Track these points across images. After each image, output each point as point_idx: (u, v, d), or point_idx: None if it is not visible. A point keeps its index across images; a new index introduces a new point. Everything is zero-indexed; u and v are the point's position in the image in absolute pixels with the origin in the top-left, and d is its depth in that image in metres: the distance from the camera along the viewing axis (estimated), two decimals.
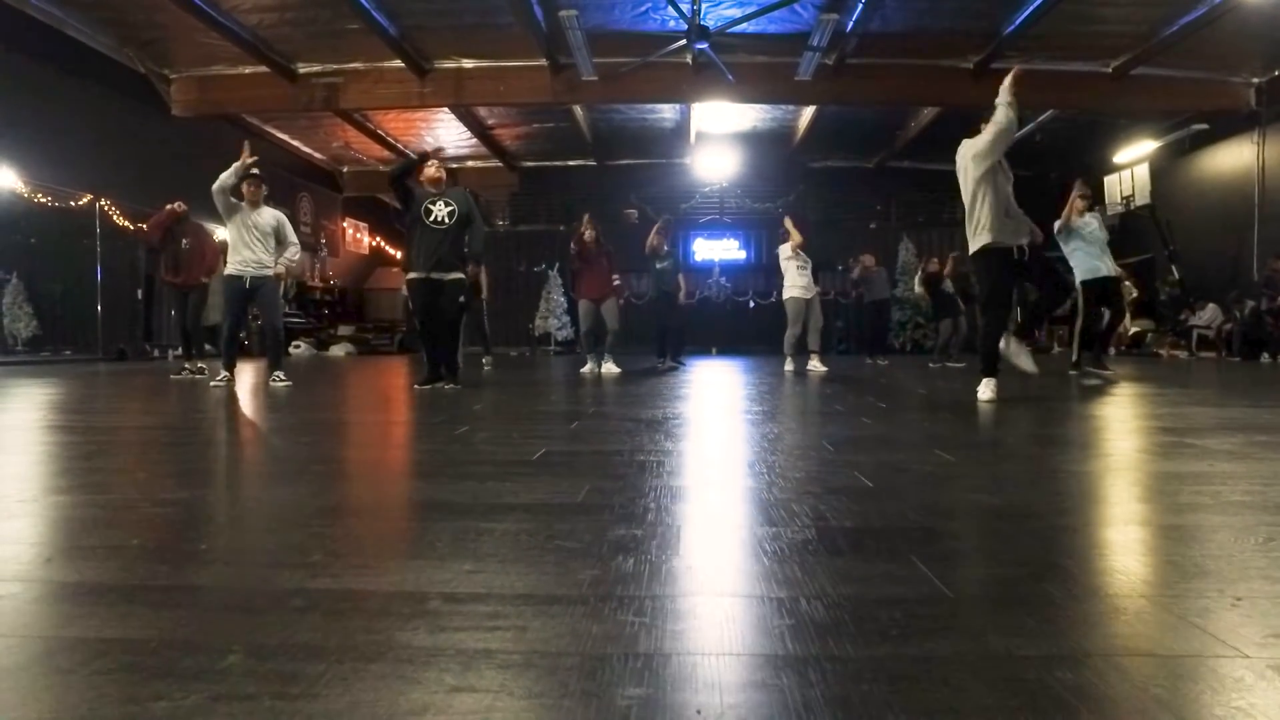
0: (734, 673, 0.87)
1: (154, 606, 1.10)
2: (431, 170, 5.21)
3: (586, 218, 7.62)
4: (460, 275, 5.20)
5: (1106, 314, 6.48)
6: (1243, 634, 0.97)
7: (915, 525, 1.53)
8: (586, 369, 7.53)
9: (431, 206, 5.09)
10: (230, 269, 5.74)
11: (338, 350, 14.91)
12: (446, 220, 5.06)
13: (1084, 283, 6.30)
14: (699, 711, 0.78)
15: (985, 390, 4.19)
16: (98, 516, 1.65)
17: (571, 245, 7.61)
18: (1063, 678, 0.85)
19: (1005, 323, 4.49)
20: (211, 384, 5.62)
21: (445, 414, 3.74)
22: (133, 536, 1.47)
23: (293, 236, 6.01)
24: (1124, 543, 1.45)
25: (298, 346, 13.83)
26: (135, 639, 0.98)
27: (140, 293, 11.44)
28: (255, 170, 5.76)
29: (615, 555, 1.32)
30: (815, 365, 7.57)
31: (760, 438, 2.87)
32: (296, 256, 6.15)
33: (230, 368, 5.68)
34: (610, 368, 7.32)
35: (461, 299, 5.28)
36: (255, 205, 5.79)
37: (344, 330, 16.26)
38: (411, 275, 5.19)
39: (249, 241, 5.70)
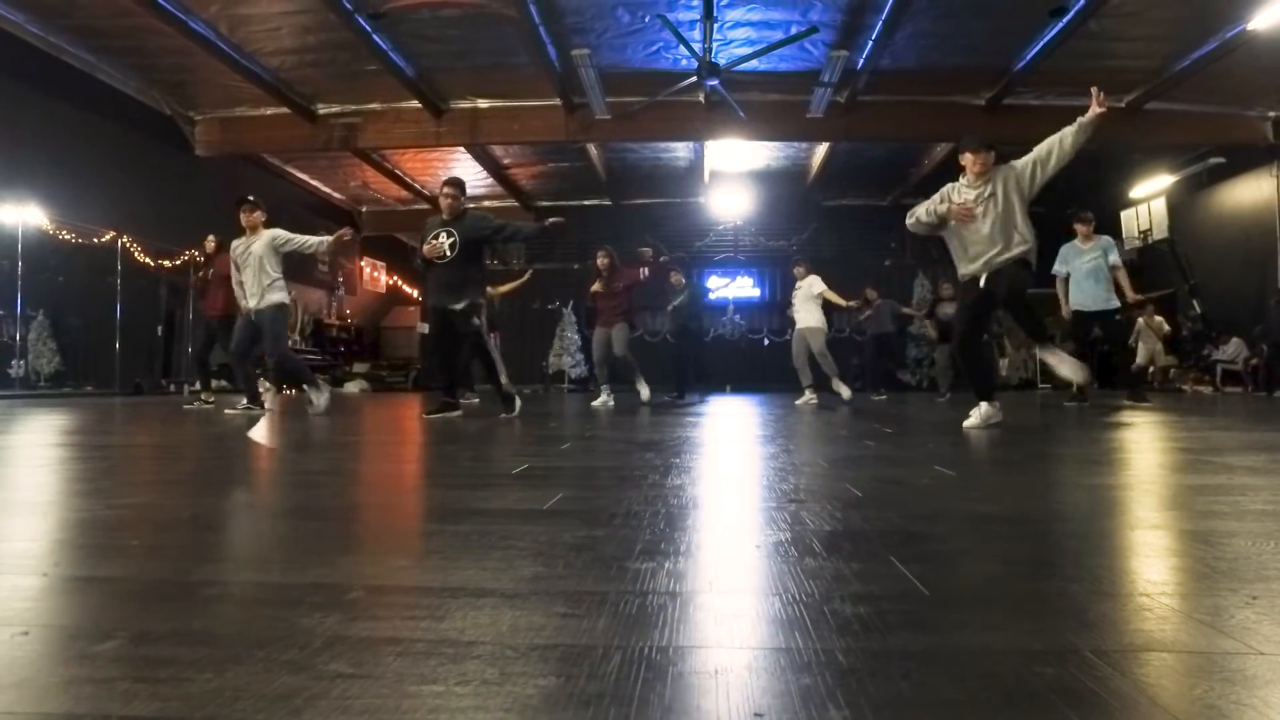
0: (662, 666, 0.76)
1: (56, 594, 1.01)
2: (442, 201, 5.20)
3: (602, 250, 7.70)
4: (467, 302, 5.12)
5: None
6: (1259, 631, 0.84)
7: (899, 529, 1.41)
8: (599, 401, 7.42)
9: (434, 241, 5.07)
10: None
11: (352, 387, 14.92)
12: (448, 252, 5.02)
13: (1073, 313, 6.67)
14: (609, 701, 0.67)
15: (972, 416, 3.94)
16: (44, 517, 1.58)
17: (589, 293, 7.77)
18: (1043, 673, 0.73)
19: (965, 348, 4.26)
20: (202, 407, 5.59)
21: (438, 436, 3.65)
22: (66, 533, 1.39)
23: (297, 238, 5.60)
24: (1130, 545, 1.32)
25: None
26: (16, 623, 0.89)
27: (160, 329, 11.55)
28: (250, 197, 5.63)
29: (566, 554, 1.21)
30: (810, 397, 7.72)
31: (753, 457, 2.75)
32: (314, 241, 5.65)
33: (252, 398, 5.62)
34: (644, 391, 7.34)
35: (475, 320, 5.18)
36: (253, 230, 5.55)
37: (359, 368, 16.31)
38: (430, 304, 5.29)
39: (244, 272, 5.52)
